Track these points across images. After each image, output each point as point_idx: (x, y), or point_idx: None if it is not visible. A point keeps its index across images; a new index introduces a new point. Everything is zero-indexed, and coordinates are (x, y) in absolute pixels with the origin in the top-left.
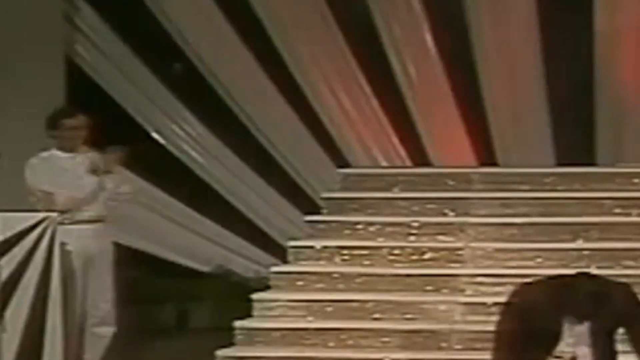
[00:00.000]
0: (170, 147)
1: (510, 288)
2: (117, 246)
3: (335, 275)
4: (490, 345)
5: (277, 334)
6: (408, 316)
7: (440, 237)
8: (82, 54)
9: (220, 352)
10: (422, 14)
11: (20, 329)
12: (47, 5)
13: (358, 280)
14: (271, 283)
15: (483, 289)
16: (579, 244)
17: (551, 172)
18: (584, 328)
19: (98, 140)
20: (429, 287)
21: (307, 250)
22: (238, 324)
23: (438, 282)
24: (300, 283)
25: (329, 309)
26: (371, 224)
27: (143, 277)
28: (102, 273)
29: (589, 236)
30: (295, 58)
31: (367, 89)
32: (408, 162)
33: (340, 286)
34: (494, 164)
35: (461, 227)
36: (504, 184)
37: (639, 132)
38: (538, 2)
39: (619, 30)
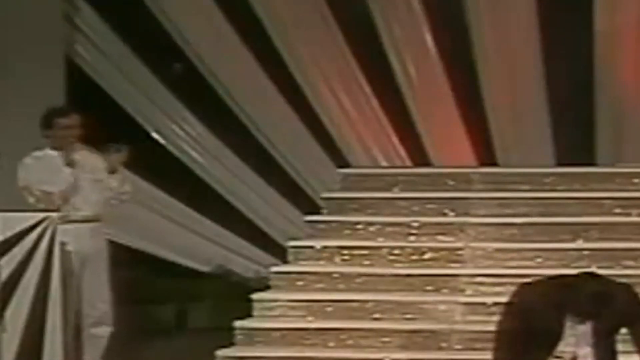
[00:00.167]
0: (170, 147)
1: (510, 288)
2: (117, 246)
3: (335, 275)
4: (490, 345)
5: (277, 334)
6: (408, 316)
7: (440, 237)
8: (82, 54)
9: (220, 352)
10: (422, 14)
11: (20, 329)
12: (47, 5)
13: (358, 280)
14: (271, 283)
15: (483, 289)
16: (579, 244)
17: (551, 172)
18: (585, 328)
19: (98, 140)
20: (429, 287)
21: (307, 250)
22: (238, 324)
23: (438, 282)
24: (300, 283)
25: (329, 309)
26: (371, 224)
27: (143, 277)
28: (98, 272)
29: (589, 236)
30: (295, 58)
31: (367, 89)
32: (408, 162)
33: (340, 286)
34: (494, 164)
35: (461, 227)
36: (504, 184)
37: (639, 132)
38: (538, 2)
39: (619, 30)
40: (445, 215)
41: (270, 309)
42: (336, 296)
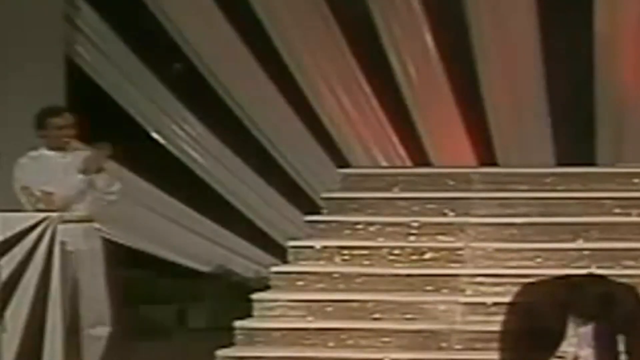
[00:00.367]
0: (170, 147)
1: (510, 288)
2: (117, 246)
3: (335, 275)
4: (490, 345)
5: (277, 334)
6: (408, 316)
7: (440, 237)
8: (82, 54)
9: (220, 352)
10: (422, 14)
11: (20, 329)
12: (47, 5)
13: (358, 280)
14: (271, 283)
15: (483, 289)
16: (579, 244)
17: (551, 172)
18: (588, 329)
19: (97, 140)
20: (429, 287)
21: (307, 250)
22: (238, 324)
23: (438, 282)
24: (300, 283)
25: (329, 309)
26: (371, 224)
27: (143, 277)
28: (95, 273)
29: (589, 236)
30: (295, 58)
31: (367, 89)
32: (408, 162)
33: (340, 286)
34: (494, 164)
35: (461, 227)
36: (504, 184)
37: (639, 132)
38: (538, 2)
39: (619, 30)
40: (445, 215)
41: (270, 309)
42: (336, 296)
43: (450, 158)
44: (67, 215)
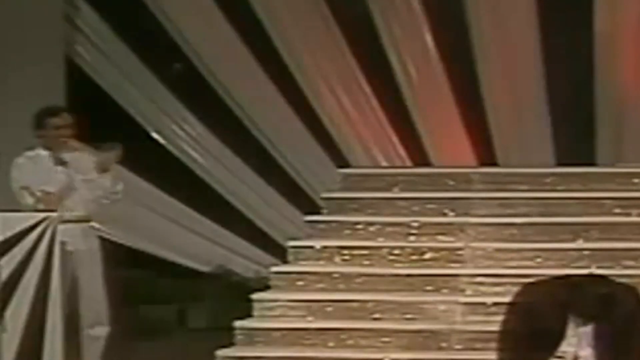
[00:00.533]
0: (170, 147)
1: (510, 288)
2: (117, 246)
3: (335, 275)
4: (491, 344)
5: (277, 334)
6: (408, 316)
7: (440, 237)
8: (82, 54)
9: (220, 352)
10: (422, 14)
11: (20, 329)
12: (47, 6)
13: (358, 280)
14: (271, 283)
15: (483, 289)
16: (579, 244)
17: (551, 172)
18: (588, 329)
19: (97, 140)
20: (429, 287)
21: (307, 250)
22: (238, 324)
23: (438, 282)
24: (300, 283)
25: (329, 309)
26: (371, 224)
27: (143, 277)
28: (93, 273)
29: (589, 236)
30: (295, 58)
31: (367, 89)
32: (408, 162)
33: (340, 286)
34: (494, 164)
35: (461, 227)
36: (504, 184)
37: (639, 132)
38: (538, 2)
39: (619, 30)
40: (445, 215)
41: (270, 309)
42: (336, 296)
43: (450, 158)
44: (66, 215)
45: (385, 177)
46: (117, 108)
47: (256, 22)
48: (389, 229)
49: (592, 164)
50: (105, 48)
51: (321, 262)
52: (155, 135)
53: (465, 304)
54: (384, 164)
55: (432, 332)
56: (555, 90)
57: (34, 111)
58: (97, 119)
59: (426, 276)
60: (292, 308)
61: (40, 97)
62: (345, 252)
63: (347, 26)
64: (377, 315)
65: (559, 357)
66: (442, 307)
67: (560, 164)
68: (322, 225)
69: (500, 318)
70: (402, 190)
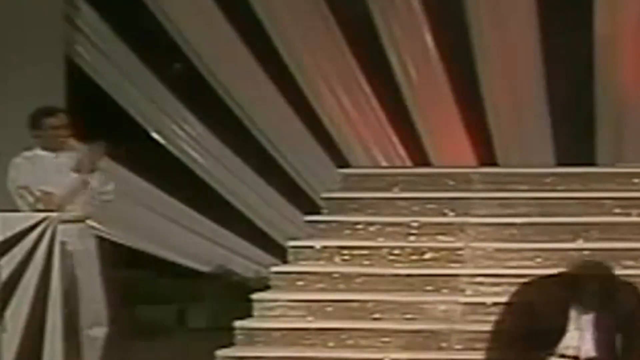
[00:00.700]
0: (170, 147)
1: (510, 288)
2: (117, 246)
3: (335, 275)
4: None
5: (277, 334)
6: (408, 316)
7: (440, 237)
8: (82, 54)
9: (220, 352)
10: (422, 14)
11: (20, 329)
12: (47, 6)
13: (358, 280)
14: (271, 283)
15: (483, 289)
16: (579, 244)
17: (551, 172)
18: (589, 323)
19: (97, 140)
20: (429, 287)
21: (307, 250)
22: (238, 324)
23: (438, 282)
24: (300, 283)
25: (329, 309)
26: (371, 224)
27: (143, 277)
28: (90, 273)
29: (589, 236)
30: (295, 58)
31: (367, 89)
32: (408, 162)
33: (340, 286)
34: (494, 164)
35: (461, 227)
36: (504, 184)
37: (639, 132)
38: (538, 2)
39: (619, 31)
40: (445, 215)
41: (270, 309)
42: (336, 296)
43: (450, 158)
44: (64, 215)
45: (385, 177)
46: (117, 108)
47: (256, 22)
48: (389, 229)
49: (592, 164)
50: (105, 48)
51: (321, 262)
52: (155, 135)
53: (465, 304)
54: (384, 164)
55: (432, 332)
56: (555, 90)
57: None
58: (97, 119)
59: (426, 276)
60: (292, 308)
61: (40, 97)
62: (345, 252)
63: (347, 26)
64: (377, 315)
65: (562, 355)
66: (442, 307)
67: (560, 164)
68: (322, 225)
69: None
70: (402, 190)
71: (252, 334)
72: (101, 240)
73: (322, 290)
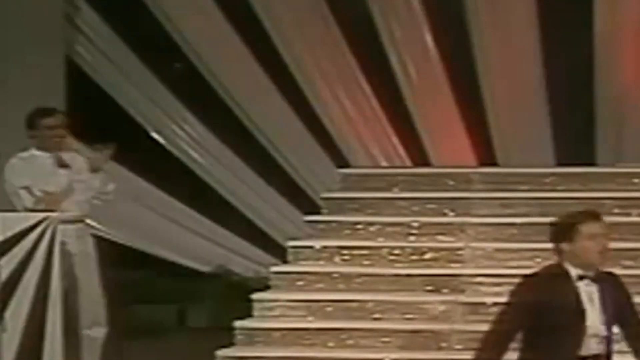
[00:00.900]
0: (170, 147)
1: (510, 288)
2: (117, 246)
3: (335, 275)
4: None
5: (277, 334)
6: (408, 316)
7: (440, 237)
8: (82, 54)
9: (220, 352)
10: (422, 14)
11: (20, 329)
12: (47, 5)
13: (358, 280)
14: (271, 283)
15: (483, 289)
16: None
17: (551, 172)
18: (594, 288)
19: (97, 140)
20: (429, 287)
21: (307, 250)
22: (238, 324)
23: (438, 282)
24: (300, 283)
25: (329, 309)
26: (371, 224)
27: (143, 277)
28: (89, 273)
29: None
30: (295, 58)
31: (367, 89)
32: (408, 162)
33: (340, 286)
34: (494, 164)
35: (461, 227)
36: (504, 184)
37: (639, 132)
38: (538, 2)
39: (619, 30)
40: (445, 215)
41: (270, 309)
42: (336, 296)
43: (450, 158)
44: (64, 215)
45: (385, 177)
46: (117, 108)
47: (256, 22)
48: (389, 229)
49: (592, 164)
50: (105, 48)
51: (321, 262)
52: (155, 135)
53: (465, 304)
54: (384, 164)
55: (432, 332)
56: (555, 90)
57: None
58: (97, 119)
59: (426, 276)
60: (292, 308)
61: (40, 97)
62: (345, 252)
63: (347, 26)
64: (377, 315)
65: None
66: (442, 307)
67: (560, 164)
68: (322, 225)
69: None
70: (402, 190)
71: (252, 334)
72: (101, 240)
73: (322, 290)
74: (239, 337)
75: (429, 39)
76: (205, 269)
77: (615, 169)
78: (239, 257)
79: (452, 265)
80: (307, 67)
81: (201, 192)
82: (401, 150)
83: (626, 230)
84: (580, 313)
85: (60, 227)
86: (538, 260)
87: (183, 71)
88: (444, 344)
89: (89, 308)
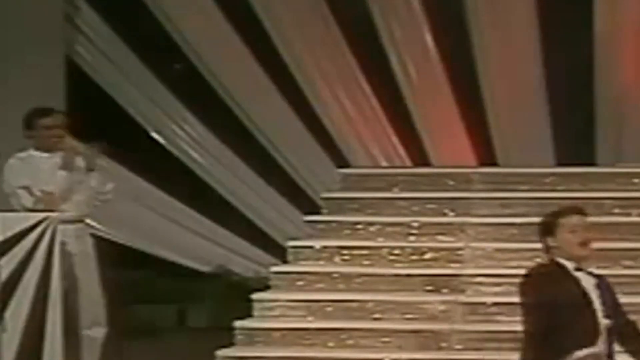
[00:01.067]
0: (170, 147)
1: (510, 288)
2: (117, 246)
3: (335, 275)
4: (491, 345)
5: (277, 334)
6: (408, 316)
7: (440, 237)
8: (82, 54)
9: (220, 352)
10: (422, 14)
11: (20, 329)
12: (47, 5)
13: (358, 280)
14: (271, 283)
15: (483, 289)
16: None
17: (551, 172)
18: (594, 281)
19: (97, 140)
20: (429, 287)
21: (307, 250)
22: (238, 324)
23: (438, 282)
24: (300, 283)
25: (329, 309)
26: (371, 224)
27: (143, 277)
28: (88, 273)
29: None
30: (295, 58)
31: (367, 89)
32: (408, 162)
33: (340, 286)
34: (494, 164)
35: (461, 227)
36: (504, 184)
37: (639, 132)
38: (538, 2)
39: (619, 30)
40: (445, 215)
41: (270, 309)
42: (336, 296)
43: (450, 158)
44: (63, 215)
45: (385, 177)
46: (117, 108)
47: (256, 22)
48: (389, 229)
49: (592, 164)
50: (105, 48)
51: (321, 262)
52: (155, 135)
53: (465, 304)
54: (384, 164)
55: (432, 332)
56: (555, 90)
57: None
58: (97, 119)
59: (426, 276)
60: (292, 308)
61: (40, 97)
62: (345, 252)
63: (347, 26)
64: (377, 315)
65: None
66: (442, 307)
67: (560, 164)
68: (322, 225)
69: (500, 318)
70: (402, 190)
71: (252, 334)
72: (100, 240)
73: (322, 290)
74: (239, 337)
75: (429, 39)
76: (205, 269)
77: (615, 169)
78: (239, 257)
79: (452, 265)
80: (307, 67)
81: (201, 192)
82: (401, 150)
83: (626, 230)
84: (588, 303)
85: (60, 227)
86: (538, 260)
87: (183, 71)
88: (444, 344)
89: (89, 308)
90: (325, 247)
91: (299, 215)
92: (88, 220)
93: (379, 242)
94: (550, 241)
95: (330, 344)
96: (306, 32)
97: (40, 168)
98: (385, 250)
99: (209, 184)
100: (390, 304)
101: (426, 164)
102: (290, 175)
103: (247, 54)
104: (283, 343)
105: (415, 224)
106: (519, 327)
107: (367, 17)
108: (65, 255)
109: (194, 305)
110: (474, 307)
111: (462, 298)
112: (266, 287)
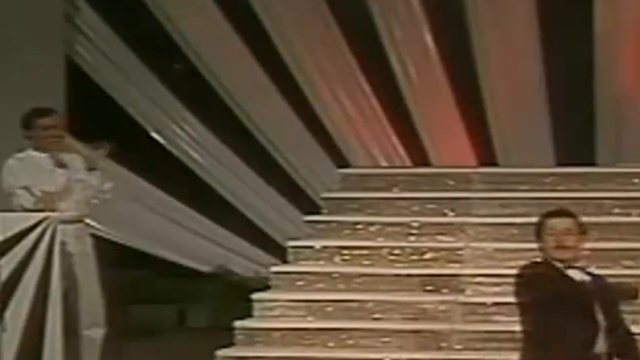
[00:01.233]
0: (170, 147)
1: (510, 288)
2: (117, 246)
3: (335, 275)
4: (490, 345)
5: (277, 334)
6: (408, 316)
7: (440, 237)
8: (82, 54)
9: (220, 352)
10: (422, 14)
11: (20, 329)
12: (47, 5)
13: (358, 280)
14: (271, 283)
15: (483, 289)
16: None
17: (551, 172)
18: (589, 277)
19: (97, 140)
20: (428, 287)
21: (307, 250)
22: (238, 324)
23: (438, 282)
24: (300, 283)
25: (329, 309)
26: (371, 224)
27: (143, 277)
28: (88, 273)
29: (589, 236)
30: (295, 58)
31: (367, 89)
32: (408, 162)
33: (340, 286)
34: (494, 164)
35: (461, 227)
36: (504, 184)
37: (639, 132)
38: (538, 2)
39: (619, 30)
40: (445, 215)
41: (270, 309)
42: (336, 296)
43: (450, 158)
44: (63, 215)
45: (385, 177)
46: (117, 108)
47: (256, 22)
48: (389, 229)
49: (592, 164)
50: (105, 48)
51: (321, 262)
52: (155, 135)
53: (465, 304)
54: (384, 164)
55: (432, 332)
56: (555, 90)
57: None
58: (97, 119)
59: (426, 276)
60: (292, 308)
61: (40, 97)
62: (345, 252)
63: (347, 26)
64: (377, 315)
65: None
66: (442, 307)
67: (560, 164)
68: (322, 225)
69: (500, 318)
70: (402, 190)
71: (252, 334)
72: (100, 240)
73: (322, 290)
74: (239, 337)
75: (429, 39)
76: (205, 269)
77: (615, 169)
78: (239, 257)
79: (452, 265)
80: (307, 67)
81: (201, 192)
82: (401, 150)
83: (626, 230)
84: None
85: (60, 227)
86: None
87: (183, 71)
88: (444, 344)
89: (88, 308)
90: (325, 247)
91: (299, 215)
92: (88, 220)
93: (379, 242)
94: (538, 241)
95: (330, 344)
96: (306, 32)
97: (40, 168)
98: (385, 250)
99: (209, 184)
100: (390, 304)
101: (426, 164)
102: (290, 175)
103: (247, 54)
104: (283, 343)
105: (415, 224)
106: (519, 327)
107: (367, 17)
108: (65, 255)
109: (194, 305)
110: (473, 307)
111: (461, 298)
112: (266, 287)
